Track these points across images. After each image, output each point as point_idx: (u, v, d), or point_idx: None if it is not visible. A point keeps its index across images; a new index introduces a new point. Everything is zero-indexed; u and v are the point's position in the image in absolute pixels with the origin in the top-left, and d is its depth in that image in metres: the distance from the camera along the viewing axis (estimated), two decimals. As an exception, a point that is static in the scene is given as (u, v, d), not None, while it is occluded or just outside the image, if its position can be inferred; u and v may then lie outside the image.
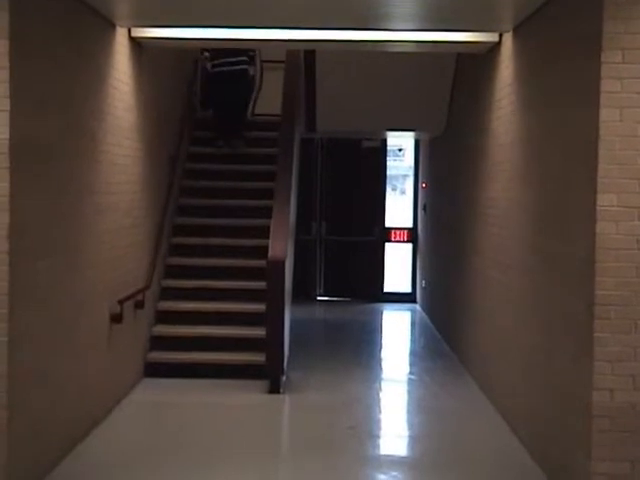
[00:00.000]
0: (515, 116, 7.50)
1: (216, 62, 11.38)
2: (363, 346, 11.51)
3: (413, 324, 13.94)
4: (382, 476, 6.41)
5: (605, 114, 5.30)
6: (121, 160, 7.93)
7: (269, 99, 11.37)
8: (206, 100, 11.63)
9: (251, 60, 11.44)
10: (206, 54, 11.42)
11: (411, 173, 16.15)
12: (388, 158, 16.01)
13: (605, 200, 5.30)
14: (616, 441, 5.33)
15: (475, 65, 9.46)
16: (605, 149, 5.30)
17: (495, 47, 8.23)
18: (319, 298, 15.49)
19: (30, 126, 5.65)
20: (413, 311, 14.66)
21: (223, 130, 11.54)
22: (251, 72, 11.48)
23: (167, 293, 9.80)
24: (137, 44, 8.34)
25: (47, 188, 6.00)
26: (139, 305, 8.52)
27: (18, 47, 5.39)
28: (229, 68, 11.34)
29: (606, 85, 5.29)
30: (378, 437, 7.61)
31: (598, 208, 5.31)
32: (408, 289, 15.63)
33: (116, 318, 7.68)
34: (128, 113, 8.13)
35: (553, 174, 6.32)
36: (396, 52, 9.44)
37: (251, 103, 11.65)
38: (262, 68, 11.58)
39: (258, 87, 11.61)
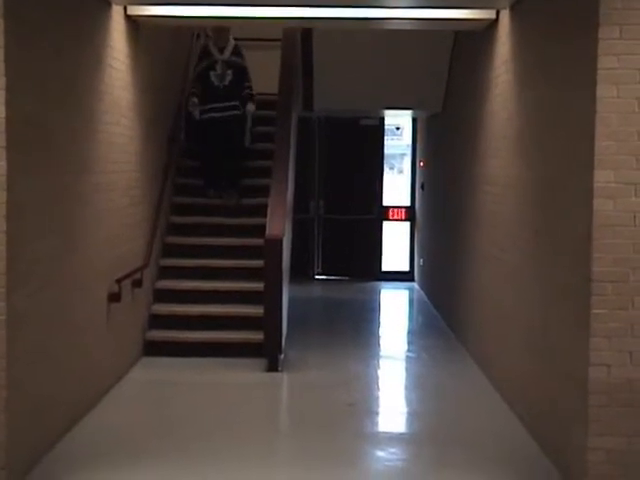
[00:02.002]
0: (512, 93, 7.49)
1: (206, 107, 10.33)
2: (361, 324, 11.53)
3: (411, 302, 13.96)
4: (380, 452, 6.44)
5: (602, 91, 5.28)
6: (119, 139, 7.92)
7: (266, 78, 11.30)
8: (193, 149, 10.79)
9: (245, 100, 10.45)
10: (194, 100, 10.32)
11: (409, 152, 16.11)
12: (386, 137, 15.96)
13: (602, 177, 5.30)
14: (613, 417, 5.35)
15: (472, 42, 9.43)
16: (602, 125, 5.29)
17: (492, 24, 8.21)
18: (317, 277, 15.48)
19: (27, 105, 5.63)
20: (411, 289, 14.67)
21: (213, 179, 10.57)
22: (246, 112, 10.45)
23: (165, 272, 9.82)
24: (133, 22, 8.30)
25: (45, 167, 5.99)
26: (137, 284, 8.53)
27: (13, 26, 5.35)
28: (221, 114, 10.34)
29: (603, 61, 5.27)
30: (377, 414, 7.64)
31: (595, 185, 5.30)
32: (406, 267, 15.64)
33: (114, 297, 7.69)
34: (126, 92, 8.11)
35: (551, 151, 6.32)
36: (393, 30, 9.40)
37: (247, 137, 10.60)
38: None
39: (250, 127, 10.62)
